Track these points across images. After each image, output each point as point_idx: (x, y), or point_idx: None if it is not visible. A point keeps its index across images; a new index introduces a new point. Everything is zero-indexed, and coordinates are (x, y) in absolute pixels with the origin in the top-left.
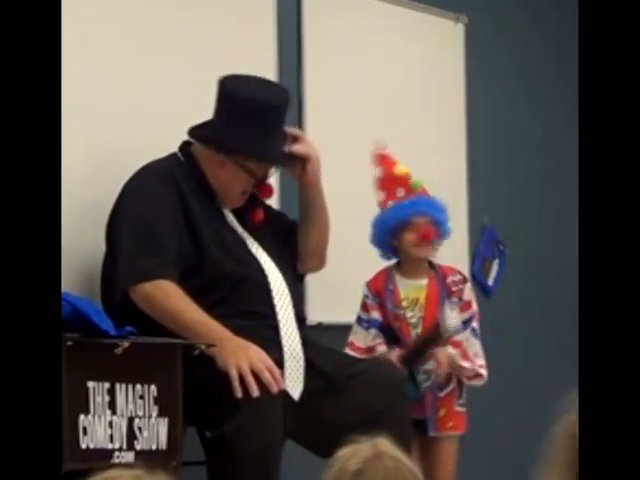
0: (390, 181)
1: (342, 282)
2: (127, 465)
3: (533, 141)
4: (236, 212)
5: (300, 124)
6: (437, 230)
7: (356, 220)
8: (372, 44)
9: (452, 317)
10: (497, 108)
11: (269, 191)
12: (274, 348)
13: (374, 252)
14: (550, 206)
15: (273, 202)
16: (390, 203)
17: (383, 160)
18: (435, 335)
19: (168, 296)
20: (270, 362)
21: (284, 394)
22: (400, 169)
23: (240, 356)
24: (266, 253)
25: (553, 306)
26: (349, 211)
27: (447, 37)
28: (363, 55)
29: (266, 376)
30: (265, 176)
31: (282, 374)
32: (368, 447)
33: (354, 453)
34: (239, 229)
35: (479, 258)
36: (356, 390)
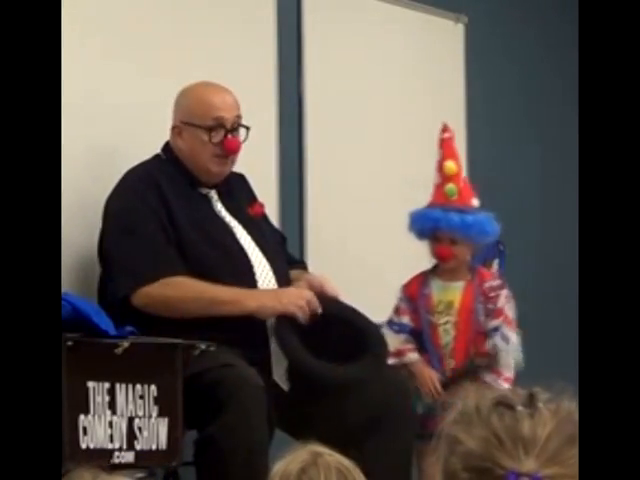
0: (439, 172)
1: (343, 282)
2: (125, 465)
3: (533, 140)
4: (232, 204)
5: (300, 124)
6: (465, 244)
7: (357, 220)
8: (372, 44)
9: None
10: (497, 108)
11: (234, 144)
12: (260, 345)
13: (375, 253)
14: (550, 206)
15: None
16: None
17: (443, 145)
18: (466, 370)
19: (183, 286)
20: (306, 293)
21: (269, 392)
22: (448, 166)
23: (283, 297)
24: (257, 247)
25: (553, 306)
26: (349, 211)
27: (447, 37)
28: (363, 55)
29: (313, 306)
30: (224, 129)
31: (269, 372)
32: (303, 451)
33: (292, 459)
34: (227, 218)
35: (479, 258)
36: (357, 389)
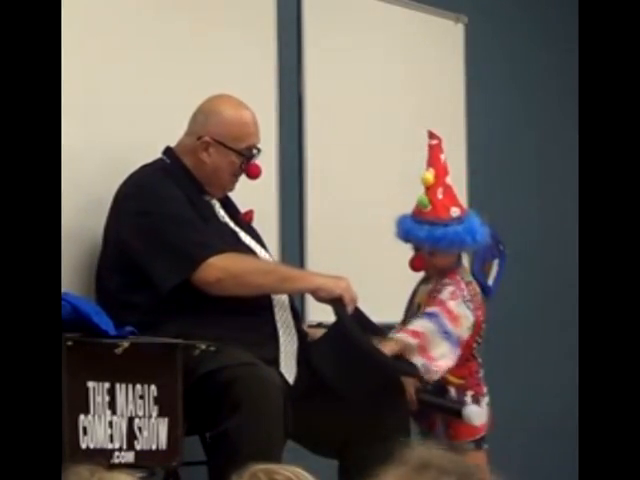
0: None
1: None
2: (125, 465)
3: (533, 141)
4: (230, 211)
5: (300, 124)
6: (445, 254)
7: (357, 220)
8: (372, 44)
9: (475, 412)
10: (497, 108)
11: (256, 169)
12: (270, 342)
13: (371, 253)
14: (550, 206)
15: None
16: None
17: (428, 152)
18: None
19: (252, 259)
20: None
21: (285, 392)
22: (425, 177)
23: (341, 282)
24: (262, 249)
25: (553, 306)
26: (349, 212)
27: (447, 37)
28: (363, 55)
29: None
30: (251, 155)
31: (278, 366)
32: (246, 474)
33: None
34: (231, 224)
35: (479, 258)
36: (355, 391)
